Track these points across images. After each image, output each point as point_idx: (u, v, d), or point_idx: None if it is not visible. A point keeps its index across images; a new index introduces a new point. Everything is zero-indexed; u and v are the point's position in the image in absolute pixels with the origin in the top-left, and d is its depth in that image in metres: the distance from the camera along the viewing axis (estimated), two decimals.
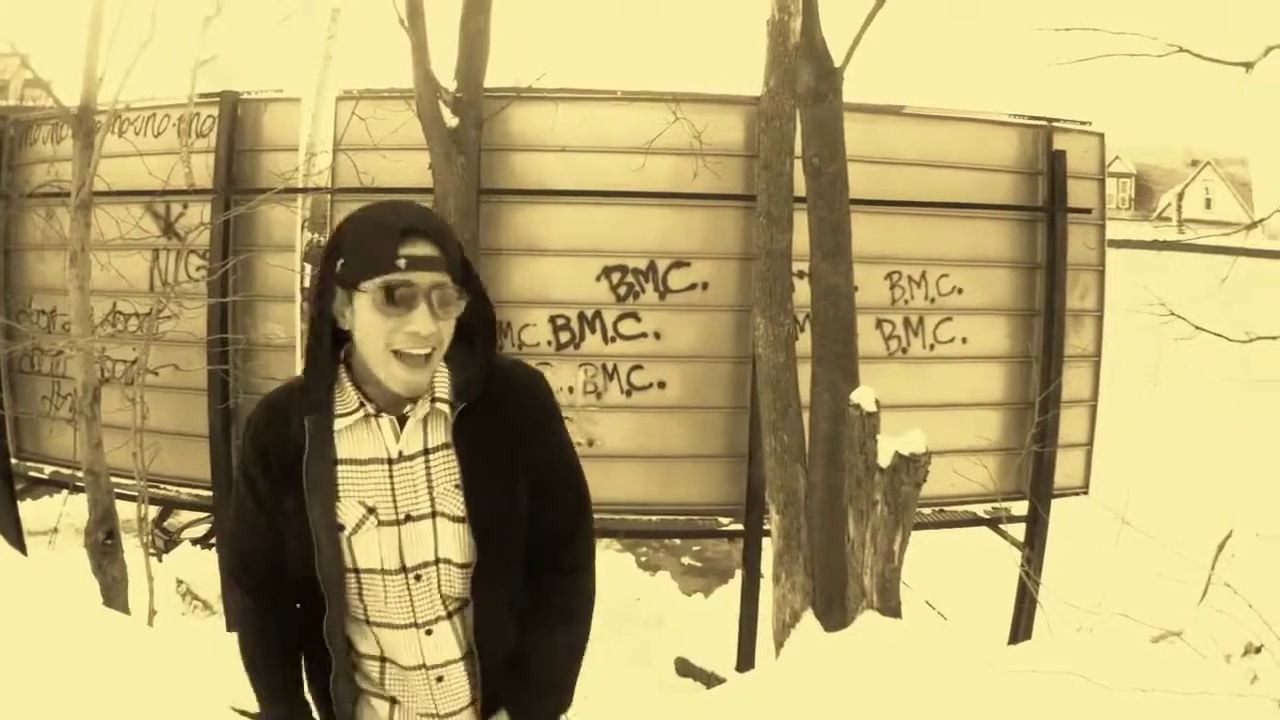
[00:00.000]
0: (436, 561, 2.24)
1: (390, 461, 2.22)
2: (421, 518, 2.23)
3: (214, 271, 8.92)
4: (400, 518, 2.22)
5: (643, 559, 13.23)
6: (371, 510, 2.21)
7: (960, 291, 9.53)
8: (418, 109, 8.11)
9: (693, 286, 9.12)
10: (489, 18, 8.39)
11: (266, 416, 2.28)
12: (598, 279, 9.13)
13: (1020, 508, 9.82)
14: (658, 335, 9.13)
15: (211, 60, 9.09)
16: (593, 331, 9.14)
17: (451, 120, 8.18)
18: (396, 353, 2.10)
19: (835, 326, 7.54)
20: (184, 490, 9.69)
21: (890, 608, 6.64)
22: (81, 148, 7.09)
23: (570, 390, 9.10)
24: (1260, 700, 4.89)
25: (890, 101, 9.41)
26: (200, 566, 10.65)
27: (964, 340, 9.57)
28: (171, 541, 12.06)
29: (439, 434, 2.25)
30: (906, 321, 9.43)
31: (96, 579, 7.17)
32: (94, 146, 7.14)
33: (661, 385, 9.18)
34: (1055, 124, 9.76)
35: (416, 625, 2.26)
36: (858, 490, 6.61)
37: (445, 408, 2.25)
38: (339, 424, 2.23)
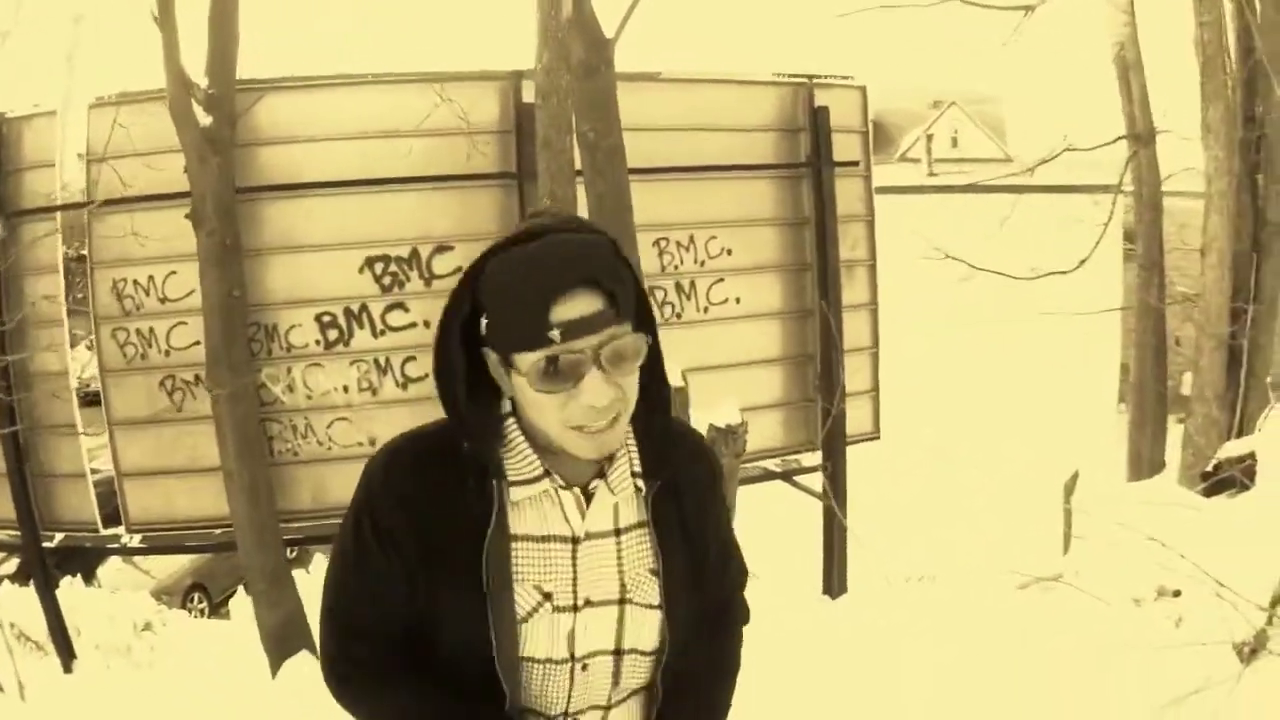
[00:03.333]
0: (617, 652, 1.93)
1: (575, 541, 1.89)
2: (603, 604, 1.90)
3: None
4: (579, 604, 1.89)
5: None
6: (547, 596, 1.87)
7: (730, 253, 9.60)
8: (170, 109, 7.76)
9: (458, 270, 8.90)
10: (237, 5, 8.06)
11: (424, 470, 1.87)
12: (360, 271, 8.93)
13: (813, 459, 9.98)
14: (427, 324, 8.94)
15: None
16: (361, 326, 8.95)
17: (205, 119, 7.85)
18: (575, 428, 1.76)
19: None
20: None
21: None
22: None
23: (345, 389, 8.92)
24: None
25: (650, 69, 9.40)
26: (22, 605, 10.27)
27: (738, 300, 9.66)
28: None
29: (630, 512, 1.93)
30: (678, 286, 9.46)
31: None
32: None
33: None
34: (816, 80, 9.88)
35: (566, 715, 1.96)
36: None
37: (640, 485, 1.92)
38: (516, 494, 1.86)
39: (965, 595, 7.38)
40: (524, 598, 1.85)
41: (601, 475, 1.88)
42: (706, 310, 9.53)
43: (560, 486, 1.86)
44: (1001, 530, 10.52)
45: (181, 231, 8.16)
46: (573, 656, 1.89)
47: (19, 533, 9.31)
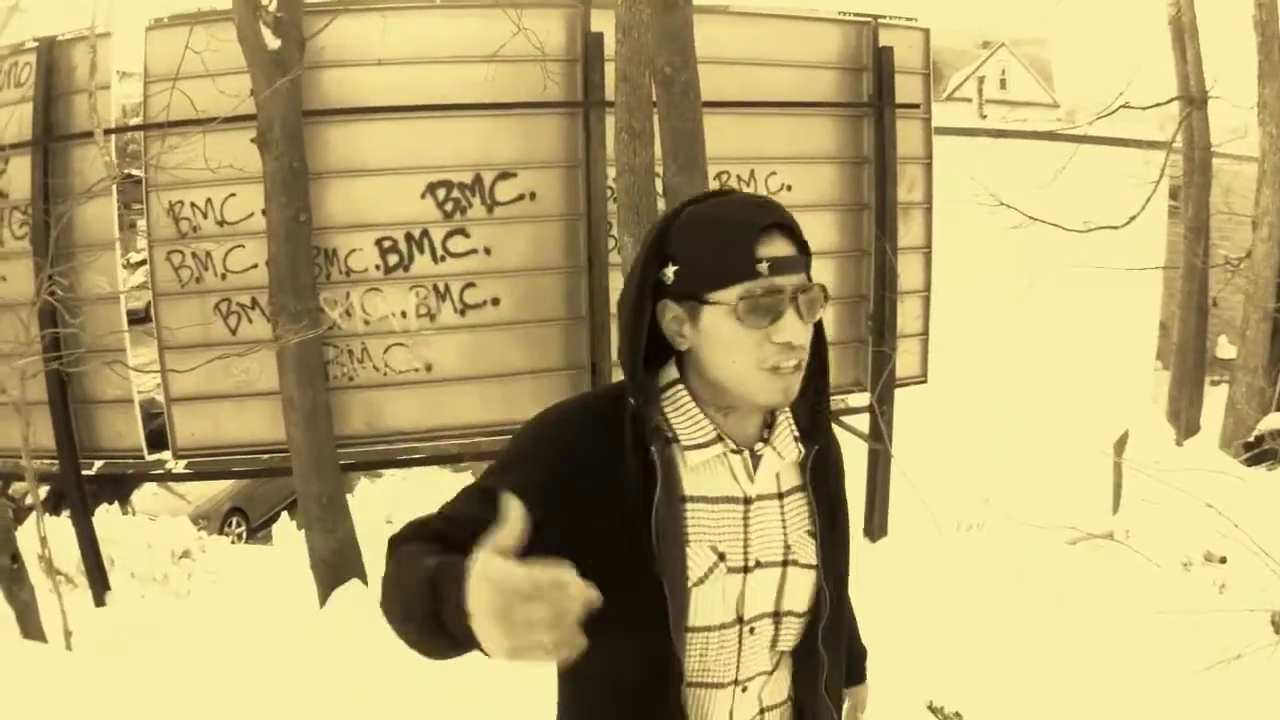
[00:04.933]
0: (777, 614, 1.93)
1: (747, 501, 1.89)
2: (770, 565, 1.91)
3: (34, 226, 8.48)
4: (750, 565, 1.89)
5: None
6: (722, 557, 1.86)
7: (789, 189, 9.58)
8: (238, 32, 7.67)
9: (520, 197, 8.97)
10: None
11: (592, 432, 1.85)
12: (423, 196, 8.90)
13: (860, 400, 9.98)
14: (488, 250, 8.98)
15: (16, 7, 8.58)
16: (421, 252, 8.93)
17: (273, 42, 7.78)
18: (770, 369, 1.79)
19: None
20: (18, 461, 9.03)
21: None
22: None
23: (403, 315, 8.91)
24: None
25: (714, 1, 9.31)
26: (51, 535, 10.18)
27: None
28: (19, 510, 11.57)
29: (790, 476, 1.95)
30: None
31: (10, 606, 6.63)
32: None
33: (495, 302, 9.04)
34: (881, 20, 9.85)
35: (736, 683, 1.94)
36: None
37: (799, 448, 1.93)
38: (692, 457, 1.85)
39: (1013, 546, 7.38)
40: (699, 558, 1.83)
41: (764, 440, 1.90)
42: None
43: (731, 450, 1.86)
44: (1047, 483, 10.50)
45: (242, 154, 8.12)
46: (740, 619, 1.89)
47: (55, 461, 9.25)
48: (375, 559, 8.73)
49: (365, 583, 8.44)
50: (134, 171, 10.78)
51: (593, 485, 1.80)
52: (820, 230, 9.70)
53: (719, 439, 1.86)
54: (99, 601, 9.58)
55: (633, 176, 7.43)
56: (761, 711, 1.97)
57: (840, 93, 9.78)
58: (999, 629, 5.51)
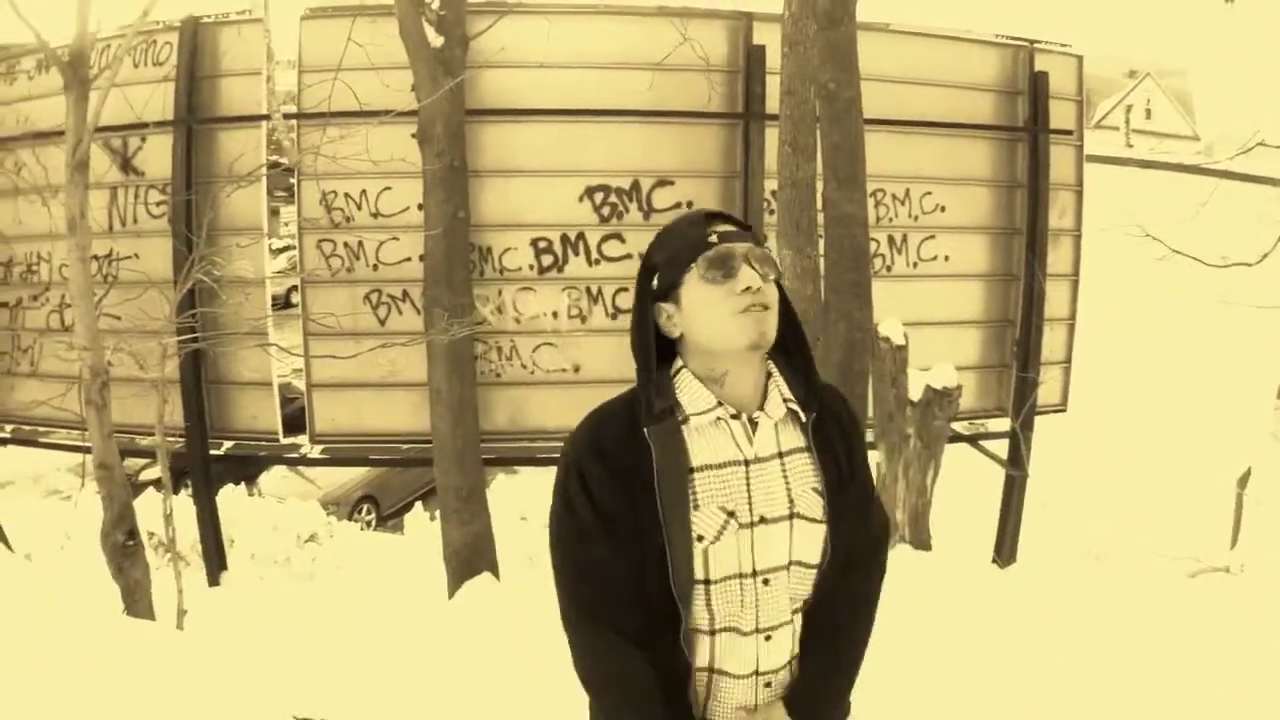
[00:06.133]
0: (789, 565, 2.20)
1: (747, 463, 2.18)
2: (776, 520, 2.18)
3: (174, 206, 8.60)
4: (755, 520, 2.16)
5: None
6: (731, 514, 2.15)
7: (943, 209, 9.56)
8: (400, 28, 7.79)
9: (677, 205, 8.98)
10: None
11: (608, 433, 2.20)
12: (580, 199, 8.99)
13: (999, 424, 9.90)
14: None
15: None
16: (575, 254, 9.01)
17: (436, 40, 7.92)
18: (741, 312, 2.11)
19: (850, 254, 7.45)
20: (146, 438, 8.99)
21: (921, 540, 6.69)
22: (76, 99, 6.15)
23: (554, 315, 9.00)
24: None
25: (874, 19, 9.29)
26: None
27: (946, 258, 9.61)
28: (135, 487, 11.76)
29: (792, 437, 2.23)
30: (890, 239, 9.43)
31: (117, 583, 6.56)
32: (89, 98, 6.21)
33: None
34: (1037, 45, 9.79)
35: (758, 631, 2.20)
36: (889, 424, 6.62)
37: (797, 409, 2.23)
38: (695, 422, 2.18)
39: (1135, 577, 7.34)
40: (711, 518, 2.14)
41: (760, 409, 2.20)
42: (915, 265, 9.50)
43: (731, 415, 2.17)
44: (1173, 515, 10.39)
45: (400, 148, 8.21)
46: (755, 572, 2.16)
47: (180, 439, 9.33)
48: (507, 553, 8.83)
49: (497, 576, 8.51)
50: (279, 159, 10.97)
51: (624, 470, 2.14)
52: (971, 253, 9.70)
53: (718, 404, 2.17)
54: (213, 581, 9.72)
55: (794, 190, 7.43)
56: (791, 660, 2.25)
57: (995, 116, 9.74)
58: (1115, 657, 5.52)
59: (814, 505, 2.19)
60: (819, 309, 7.38)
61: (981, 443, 9.93)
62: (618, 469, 2.14)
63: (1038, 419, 9.95)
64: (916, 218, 9.45)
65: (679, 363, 2.22)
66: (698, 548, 2.13)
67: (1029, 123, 9.65)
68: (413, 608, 8.53)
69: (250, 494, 13.03)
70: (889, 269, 9.39)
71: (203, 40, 9.08)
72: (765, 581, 2.17)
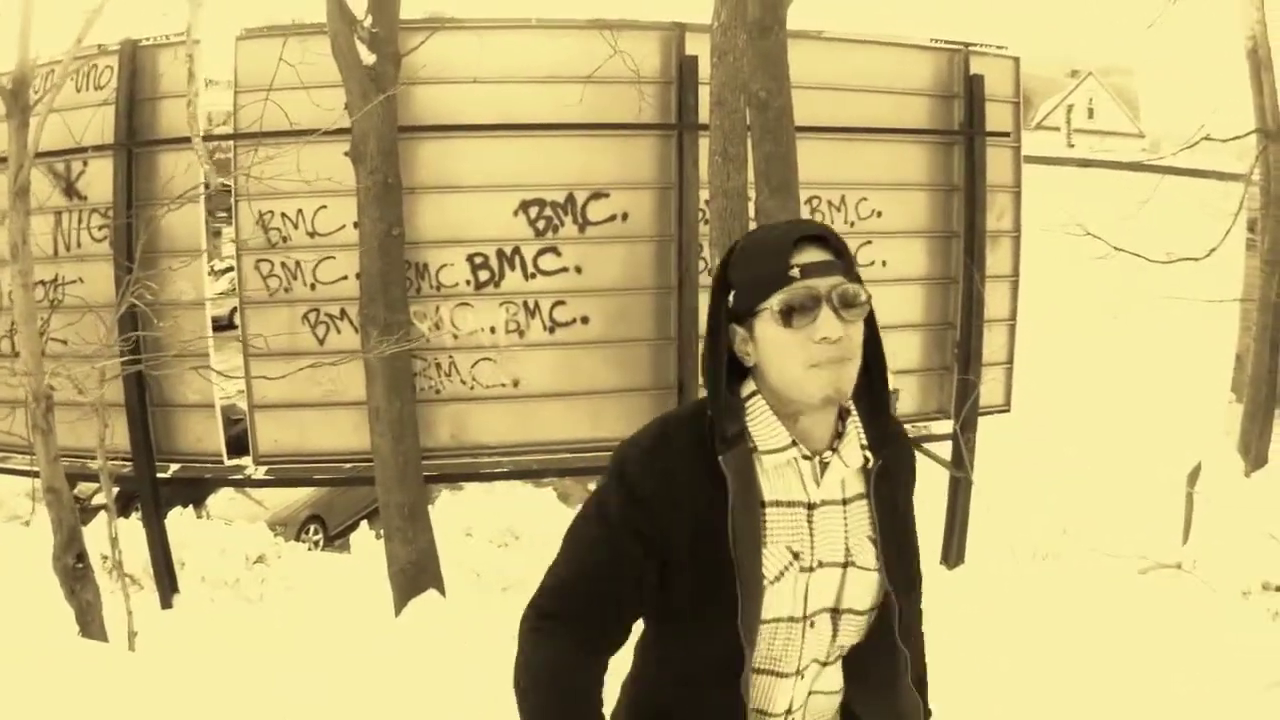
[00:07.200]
0: (836, 610, 2.09)
1: (811, 506, 2.05)
2: (831, 565, 2.06)
3: (115, 229, 8.56)
4: (814, 565, 2.05)
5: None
6: (796, 556, 2.04)
7: (879, 215, 9.59)
8: (333, 46, 7.76)
9: (612, 218, 9.02)
10: None
11: (669, 453, 2.04)
12: (515, 214, 8.98)
13: (942, 427, 9.95)
14: (579, 269, 9.03)
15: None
16: (512, 269, 8.99)
17: (369, 57, 7.87)
18: (814, 365, 1.94)
19: None
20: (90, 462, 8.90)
21: None
22: (17, 126, 6.22)
23: (492, 330, 8.97)
24: None
25: (808, 27, 9.31)
26: (121, 538, 10.20)
27: (884, 264, 9.67)
28: (86, 511, 11.66)
29: (854, 484, 2.09)
30: None
31: (70, 605, 6.61)
32: (29, 124, 6.27)
33: (585, 320, 9.08)
34: (972, 48, 9.84)
35: (799, 673, 2.12)
36: None
37: (865, 456, 2.07)
38: (768, 461, 2.03)
39: (1086, 576, 7.38)
40: (775, 558, 2.01)
41: (833, 448, 2.05)
42: None
43: (804, 455, 2.02)
44: (1122, 513, 10.47)
45: (334, 167, 8.18)
46: (805, 615, 2.05)
47: (127, 463, 9.30)
48: (453, 570, 8.80)
49: (442, 593, 8.48)
50: (224, 180, 10.90)
51: (686, 498, 1.99)
52: (909, 257, 9.74)
53: (793, 444, 2.02)
54: (165, 604, 9.66)
55: (726, 200, 7.43)
56: (810, 694, 2.14)
57: (931, 120, 9.80)
58: (1067, 656, 5.55)
59: (869, 555, 2.08)
60: None
61: (926, 445, 9.96)
62: (679, 495, 2.00)
63: (982, 420, 10.00)
64: (853, 224, 9.47)
65: (751, 385, 2.06)
66: (764, 585, 2.01)
67: (965, 126, 9.71)
68: (360, 626, 8.51)
69: (199, 516, 12.90)
70: None
71: (142, 63, 9.05)
72: (811, 624, 2.08)
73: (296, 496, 14.97)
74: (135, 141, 8.96)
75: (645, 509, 2.01)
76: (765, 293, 1.95)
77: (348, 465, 9.42)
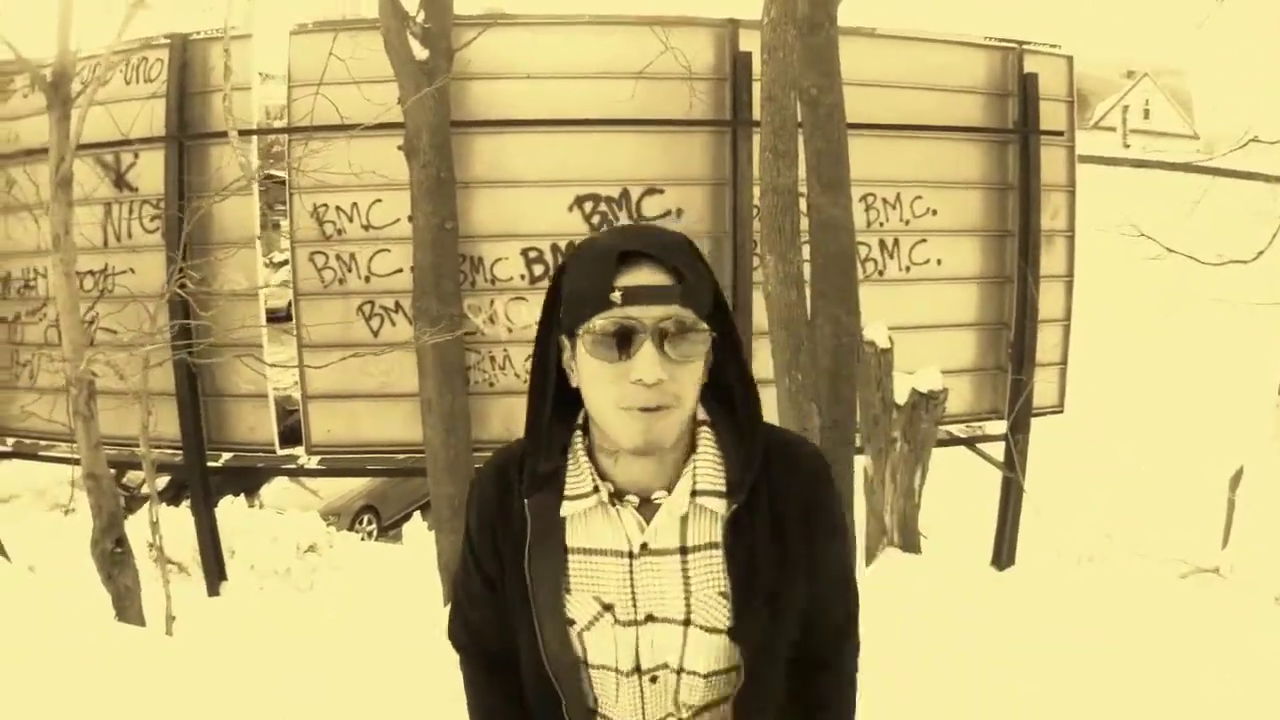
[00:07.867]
0: (680, 670, 1.86)
1: (631, 555, 1.80)
2: (667, 621, 1.83)
3: (167, 220, 8.66)
4: (640, 618, 1.83)
5: None
6: (608, 608, 1.83)
7: (934, 213, 9.55)
8: (385, 41, 7.80)
9: (667, 213, 9.02)
10: None
11: (493, 489, 1.88)
12: (570, 209, 9.01)
13: (995, 427, 9.89)
14: None
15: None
16: None
17: (421, 52, 7.91)
18: (626, 409, 1.68)
19: (836, 259, 7.34)
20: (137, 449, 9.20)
21: (911, 544, 6.67)
22: (58, 118, 6.22)
23: None
24: None
25: (861, 24, 9.28)
26: (168, 525, 10.32)
27: (939, 262, 9.60)
28: (134, 499, 11.79)
29: (703, 531, 1.81)
30: (882, 244, 9.44)
31: (107, 590, 6.63)
32: (70, 116, 6.32)
33: None
34: (1026, 46, 9.78)
35: None
36: (875, 428, 6.60)
37: (715, 504, 1.78)
38: (567, 508, 1.81)
39: (1128, 580, 7.34)
40: (583, 607, 1.83)
41: (668, 490, 1.79)
42: (908, 269, 9.50)
43: (613, 500, 1.79)
44: (1167, 516, 10.40)
45: (389, 161, 8.24)
46: (639, 669, 1.86)
47: (178, 451, 9.43)
48: None
49: None
50: (276, 173, 10.99)
51: (501, 535, 1.85)
52: (963, 256, 9.70)
53: (595, 490, 1.79)
54: (213, 591, 9.75)
55: (776, 196, 7.35)
56: None
57: (985, 118, 9.74)
58: (1102, 660, 5.52)
59: (717, 613, 1.82)
60: (803, 314, 7.35)
61: (979, 446, 9.92)
62: (495, 530, 1.87)
63: (1035, 421, 9.93)
64: (908, 222, 9.44)
65: (582, 415, 1.82)
66: (571, 630, 1.85)
67: (1019, 124, 9.65)
68: (409, 617, 8.55)
69: (251, 505, 13.06)
70: (881, 273, 9.40)
71: (192, 56, 9.15)
72: (652, 679, 1.87)
73: (351, 487, 15.05)
74: (186, 134, 9.05)
75: (476, 540, 1.90)
76: (585, 314, 1.67)
77: (400, 456, 9.48)
